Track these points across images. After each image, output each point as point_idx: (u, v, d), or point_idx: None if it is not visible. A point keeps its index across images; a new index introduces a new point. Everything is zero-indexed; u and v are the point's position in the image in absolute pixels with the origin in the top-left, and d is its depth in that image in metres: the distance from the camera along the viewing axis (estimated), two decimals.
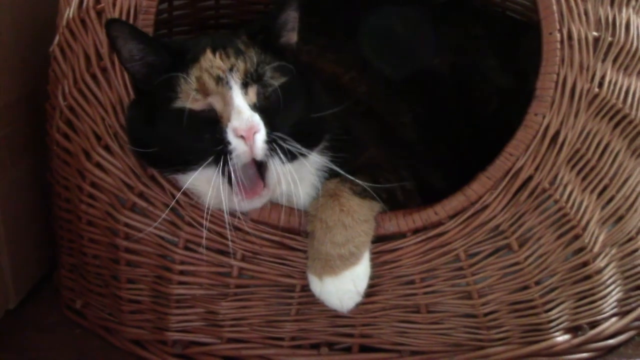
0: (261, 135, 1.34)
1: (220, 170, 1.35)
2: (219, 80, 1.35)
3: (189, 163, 1.37)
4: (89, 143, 1.56)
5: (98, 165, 1.56)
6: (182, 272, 1.55)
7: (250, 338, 1.58)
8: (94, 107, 1.54)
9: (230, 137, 1.34)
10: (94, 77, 1.54)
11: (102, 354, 1.66)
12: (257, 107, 1.36)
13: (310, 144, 1.43)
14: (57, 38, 1.62)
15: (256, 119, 1.34)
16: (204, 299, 1.56)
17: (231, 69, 1.36)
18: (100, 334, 1.69)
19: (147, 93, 1.42)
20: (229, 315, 1.57)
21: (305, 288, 1.50)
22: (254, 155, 1.35)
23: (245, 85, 1.36)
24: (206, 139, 1.35)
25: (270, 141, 1.35)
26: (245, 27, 1.47)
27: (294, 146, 1.37)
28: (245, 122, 1.33)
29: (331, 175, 1.48)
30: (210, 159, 1.35)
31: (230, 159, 1.34)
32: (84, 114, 1.56)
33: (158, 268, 1.57)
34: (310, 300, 1.52)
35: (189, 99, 1.35)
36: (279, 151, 1.36)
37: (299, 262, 1.50)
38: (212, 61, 1.37)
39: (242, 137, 1.33)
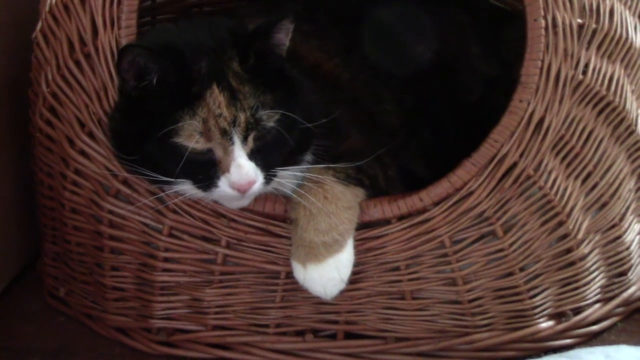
0: (258, 185, 1.36)
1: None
2: (224, 133, 1.35)
3: (173, 183, 1.39)
4: (73, 130, 1.55)
5: (82, 153, 1.55)
6: (166, 259, 1.55)
7: (235, 325, 1.58)
8: (77, 93, 1.53)
9: (224, 185, 1.36)
10: (77, 63, 1.53)
11: (85, 342, 1.65)
12: (253, 152, 1.37)
13: (301, 154, 1.46)
14: (39, 24, 1.61)
15: (254, 174, 1.35)
16: (189, 286, 1.56)
17: (234, 122, 1.35)
18: (84, 322, 1.68)
19: (139, 106, 1.39)
20: (214, 302, 1.56)
21: (290, 275, 1.50)
22: (245, 199, 1.41)
23: (245, 138, 1.36)
24: (199, 177, 1.37)
25: (266, 181, 1.38)
26: (236, 41, 1.41)
27: (286, 170, 1.42)
28: (244, 178, 1.35)
29: (314, 161, 1.49)
30: (196, 185, 1.38)
31: (217, 189, 1.37)
32: (68, 100, 1.55)
33: (142, 255, 1.56)
34: (295, 287, 1.52)
35: (192, 140, 1.34)
36: (272, 181, 1.40)
37: (284, 249, 1.50)
38: (219, 105, 1.35)
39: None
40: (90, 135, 1.53)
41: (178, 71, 1.36)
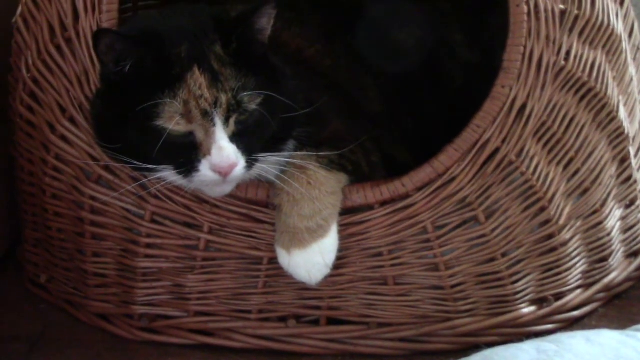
0: (239, 168, 1.36)
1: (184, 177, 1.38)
2: (205, 114, 1.34)
3: (154, 170, 1.38)
4: (54, 115, 1.54)
5: (63, 138, 1.54)
6: (148, 245, 1.54)
7: (217, 311, 1.57)
8: (58, 78, 1.52)
9: (205, 168, 1.35)
10: (58, 48, 1.52)
11: (67, 329, 1.64)
12: (235, 135, 1.36)
13: (283, 141, 1.45)
14: (20, 9, 1.60)
15: (235, 157, 1.35)
16: (171, 272, 1.56)
17: (215, 103, 1.34)
18: (66, 309, 1.68)
19: (120, 91, 1.38)
20: (196, 288, 1.56)
21: (273, 261, 1.50)
22: (227, 186, 1.40)
23: (227, 120, 1.35)
24: (180, 161, 1.36)
25: (248, 165, 1.37)
26: (218, 26, 1.41)
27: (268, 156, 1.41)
28: (225, 160, 1.34)
29: (296, 148, 1.48)
30: (177, 171, 1.37)
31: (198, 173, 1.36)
32: (48, 85, 1.54)
33: (124, 241, 1.55)
34: (277, 272, 1.52)
35: (173, 122, 1.34)
36: (254, 166, 1.39)
37: (267, 234, 1.50)
38: (200, 86, 1.34)
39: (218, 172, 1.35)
40: (72, 120, 1.52)
41: (156, 55, 1.35)
